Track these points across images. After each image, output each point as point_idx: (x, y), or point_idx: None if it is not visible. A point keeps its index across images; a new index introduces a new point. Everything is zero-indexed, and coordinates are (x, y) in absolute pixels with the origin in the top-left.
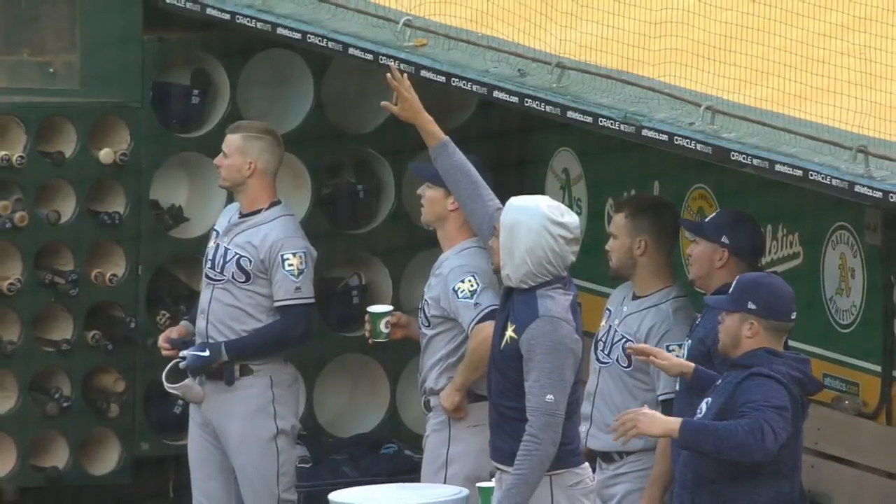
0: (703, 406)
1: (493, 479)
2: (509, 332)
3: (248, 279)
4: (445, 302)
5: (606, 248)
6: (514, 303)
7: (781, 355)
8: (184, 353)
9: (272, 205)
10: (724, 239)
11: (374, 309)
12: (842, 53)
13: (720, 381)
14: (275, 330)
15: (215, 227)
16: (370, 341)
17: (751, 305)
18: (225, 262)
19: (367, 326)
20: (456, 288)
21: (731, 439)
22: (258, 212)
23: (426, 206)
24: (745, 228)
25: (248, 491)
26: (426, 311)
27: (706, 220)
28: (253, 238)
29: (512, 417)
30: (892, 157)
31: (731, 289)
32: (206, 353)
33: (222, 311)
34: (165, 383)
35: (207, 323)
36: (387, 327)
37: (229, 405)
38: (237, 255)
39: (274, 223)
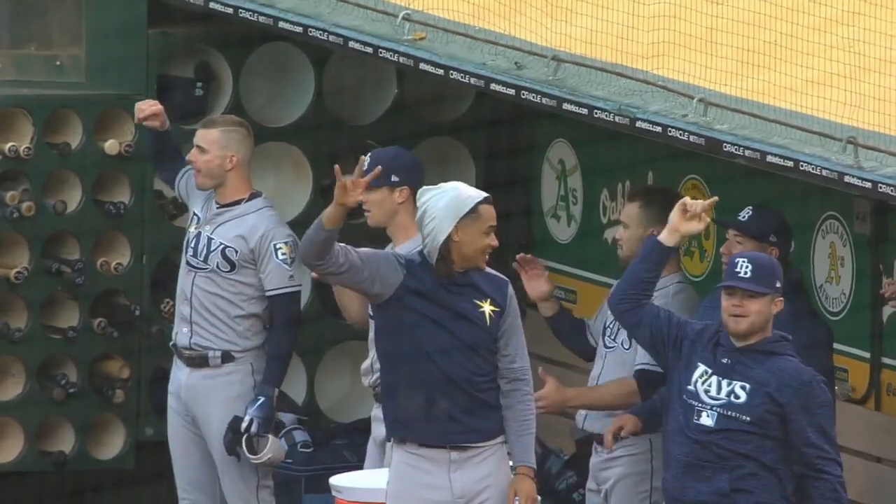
0: (741, 392)
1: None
2: (490, 308)
3: (232, 269)
4: None
5: (616, 237)
6: (469, 280)
7: (791, 341)
8: (245, 419)
9: (252, 196)
10: (778, 284)
11: None
12: (831, 47)
13: (727, 359)
14: (285, 329)
15: (195, 212)
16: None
17: (778, 284)
18: (209, 252)
19: None
20: None
21: None
22: (238, 202)
23: (374, 209)
24: (788, 229)
25: (226, 476)
26: None
27: (745, 219)
28: (239, 229)
29: (486, 390)
30: (881, 149)
31: (746, 270)
32: (261, 399)
33: (205, 299)
34: (250, 457)
35: (192, 309)
36: None
37: (212, 392)
38: (222, 246)
39: (260, 214)
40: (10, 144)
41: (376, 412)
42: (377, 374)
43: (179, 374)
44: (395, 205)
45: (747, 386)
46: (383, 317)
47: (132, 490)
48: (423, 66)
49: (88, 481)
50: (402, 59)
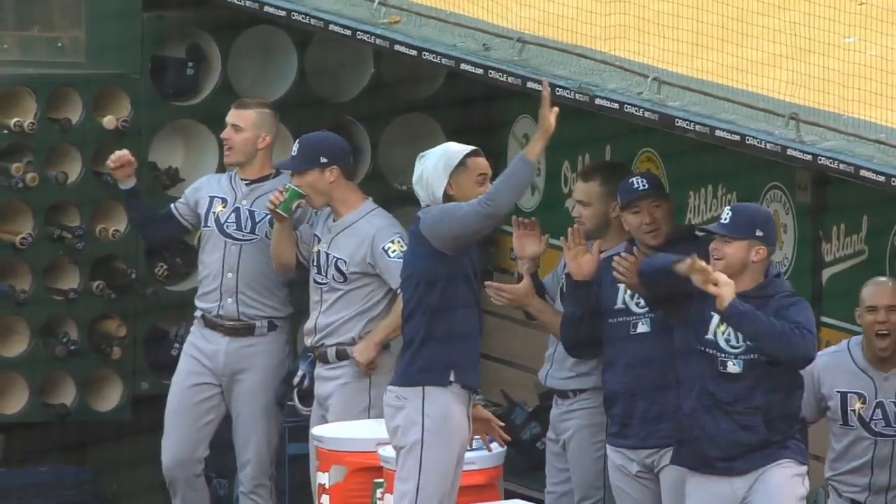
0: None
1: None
2: None
3: None
4: (372, 259)
5: (575, 215)
6: None
7: (783, 280)
8: (299, 374)
9: (278, 172)
10: (759, 232)
11: (296, 188)
12: (775, 30)
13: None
14: None
15: (215, 196)
16: (275, 210)
17: (759, 233)
18: (255, 223)
19: (281, 198)
20: (386, 248)
21: (775, 329)
22: (266, 178)
23: (311, 192)
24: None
25: (254, 434)
26: (340, 268)
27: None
28: None
29: None
30: (821, 124)
31: (727, 217)
32: (311, 356)
33: (254, 269)
34: (302, 409)
35: (238, 280)
36: (295, 209)
37: (254, 358)
38: (269, 215)
39: None
40: (15, 120)
41: (319, 371)
42: (319, 335)
43: (216, 342)
44: (328, 184)
45: None
46: (449, 267)
47: (130, 440)
48: (397, 47)
49: (90, 432)
50: (378, 41)
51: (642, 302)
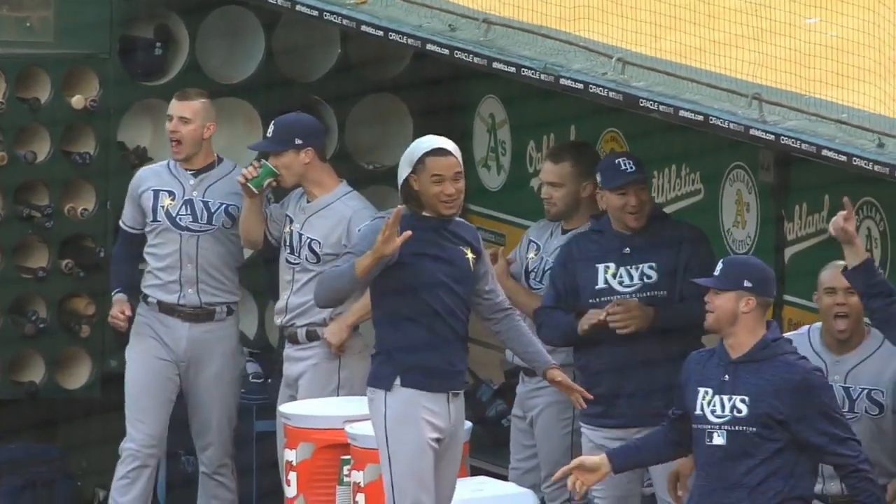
0: (742, 405)
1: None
2: (471, 255)
3: (234, 224)
4: (347, 241)
5: (544, 196)
6: (451, 228)
7: (786, 340)
8: None
9: (220, 158)
10: (747, 283)
11: (271, 167)
12: (738, 10)
13: (727, 375)
14: None
15: (164, 189)
16: (246, 184)
17: (746, 283)
18: (211, 214)
19: (254, 172)
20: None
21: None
22: (211, 166)
23: (285, 173)
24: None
25: (215, 417)
26: (314, 249)
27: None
28: (231, 186)
29: (465, 330)
30: (783, 104)
31: (718, 270)
32: None
33: (213, 257)
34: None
35: (198, 270)
36: (266, 187)
37: (215, 345)
38: (224, 205)
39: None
40: None
41: (288, 352)
42: (290, 315)
43: (176, 327)
44: (303, 165)
45: (747, 398)
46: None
47: (99, 417)
48: (364, 28)
49: (59, 410)
50: (345, 22)
51: (626, 281)
